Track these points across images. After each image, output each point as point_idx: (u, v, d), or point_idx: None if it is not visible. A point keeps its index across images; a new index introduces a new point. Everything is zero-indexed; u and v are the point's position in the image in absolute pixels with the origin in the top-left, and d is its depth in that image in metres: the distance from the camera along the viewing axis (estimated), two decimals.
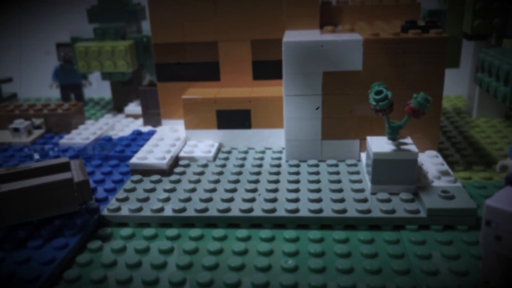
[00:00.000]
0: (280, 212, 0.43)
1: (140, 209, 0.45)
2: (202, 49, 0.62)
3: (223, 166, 0.54)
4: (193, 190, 0.48)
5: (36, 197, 0.41)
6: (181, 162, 0.55)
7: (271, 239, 0.41)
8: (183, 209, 0.44)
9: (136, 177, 0.51)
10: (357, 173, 0.51)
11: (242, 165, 0.54)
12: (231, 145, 0.60)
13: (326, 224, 0.43)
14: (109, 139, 0.66)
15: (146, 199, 0.47)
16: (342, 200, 0.45)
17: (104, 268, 0.38)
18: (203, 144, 0.60)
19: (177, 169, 0.53)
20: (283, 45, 0.51)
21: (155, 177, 0.51)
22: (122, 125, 0.72)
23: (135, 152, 0.59)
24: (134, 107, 0.76)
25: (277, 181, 0.49)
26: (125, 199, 0.47)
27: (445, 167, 0.49)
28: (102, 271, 0.37)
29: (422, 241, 0.39)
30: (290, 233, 0.41)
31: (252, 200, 0.45)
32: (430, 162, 0.50)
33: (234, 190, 0.48)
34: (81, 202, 0.43)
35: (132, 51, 0.73)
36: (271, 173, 0.52)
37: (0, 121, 0.69)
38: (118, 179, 0.52)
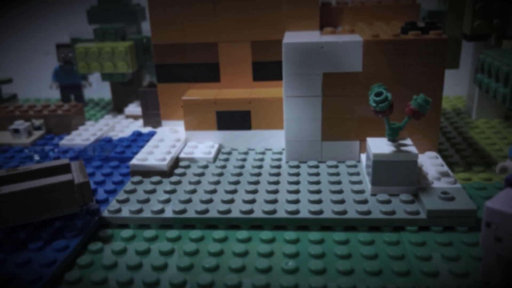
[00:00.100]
0: (281, 214, 0.43)
1: (140, 211, 0.45)
2: (202, 50, 0.62)
3: (223, 167, 0.54)
4: (194, 191, 0.48)
5: (36, 199, 0.41)
6: (181, 163, 0.56)
7: (271, 241, 0.41)
8: (184, 211, 0.44)
9: (136, 178, 0.51)
10: (357, 174, 0.51)
11: (242, 166, 0.54)
12: (231, 146, 0.60)
13: (326, 225, 0.43)
14: (109, 140, 0.66)
15: (146, 201, 0.47)
16: (342, 202, 0.45)
17: (105, 269, 0.38)
18: (203, 145, 0.60)
19: (177, 170, 0.53)
20: (283, 47, 0.51)
21: (155, 178, 0.51)
22: (122, 126, 0.72)
23: (135, 153, 0.59)
24: (134, 108, 0.77)
25: (277, 182, 0.49)
26: (126, 201, 0.47)
27: (445, 168, 0.49)
28: (103, 272, 0.37)
29: (422, 243, 0.39)
30: (290, 235, 0.41)
31: (253, 201, 0.46)
32: (430, 163, 0.50)
33: (234, 192, 0.48)
34: (82, 203, 0.43)
35: (132, 52, 0.73)
36: (271, 174, 0.52)
37: (0, 122, 0.69)
38: (118, 180, 0.52)
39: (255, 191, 0.48)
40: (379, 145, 0.47)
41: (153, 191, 0.49)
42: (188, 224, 0.44)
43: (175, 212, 0.44)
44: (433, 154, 0.53)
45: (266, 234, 0.41)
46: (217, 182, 0.50)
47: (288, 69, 0.52)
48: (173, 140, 0.60)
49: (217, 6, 0.60)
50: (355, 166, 0.53)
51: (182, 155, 0.57)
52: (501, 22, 0.62)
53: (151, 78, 0.78)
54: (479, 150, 0.58)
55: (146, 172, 0.53)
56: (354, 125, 0.54)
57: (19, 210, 0.40)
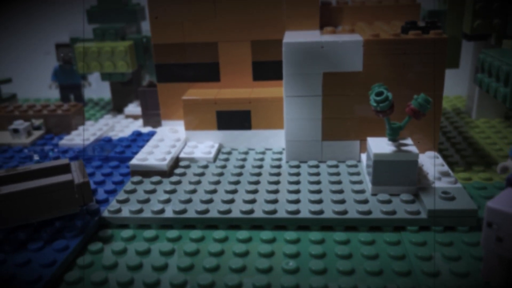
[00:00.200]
0: (281, 214, 0.43)
1: (140, 211, 0.45)
2: (202, 50, 0.62)
3: (223, 167, 0.54)
4: (194, 191, 0.48)
5: (36, 199, 0.41)
6: (181, 163, 0.55)
7: (272, 241, 0.41)
8: (184, 211, 0.44)
9: (136, 178, 0.51)
10: (358, 174, 0.51)
11: (242, 166, 0.54)
12: (231, 146, 0.60)
13: (326, 225, 0.43)
14: (109, 140, 0.66)
15: (146, 201, 0.47)
16: (342, 201, 0.45)
17: (105, 270, 0.38)
18: (203, 145, 0.60)
19: (177, 170, 0.53)
20: (284, 46, 0.51)
21: (156, 178, 0.51)
22: (122, 126, 0.72)
23: (135, 153, 0.59)
24: (133, 108, 0.76)
25: (277, 182, 0.49)
26: (126, 201, 0.47)
27: (445, 168, 0.49)
28: (103, 273, 0.37)
29: (423, 242, 0.39)
30: (291, 235, 0.41)
31: (253, 201, 0.45)
32: (431, 163, 0.50)
33: (234, 191, 0.48)
34: (82, 203, 0.43)
35: (132, 52, 0.73)
36: (271, 174, 0.52)
37: (0, 122, 0.69)
38: (118, 180, 0.52)
39: (255, 191, 0.47)
40: (380, 145, 0.47)
41: (153, 191, 0.49)
42: (189, 224, 0.44)
43: (175, 212, 0.44)
44: (433, 154, 0.53)
45: (266, 234, 0.41)
46: (217, 182, 0.50)
47: (288, 68, 0.52)
48: (173, 140, 0.60)
49: (217, 6, 0.60)
50: (356, 166, 0.53)
51: (182, 155, 0.57)
52: (501, 22, 0.62)
53: (150, 77, 0.78)
54: (479, 149, 0.58)
55: (146, 172, 0.53)
56: (354, 125, 0.54)
57: (19, 210, 0.40)
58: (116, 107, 0.82)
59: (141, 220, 0.44)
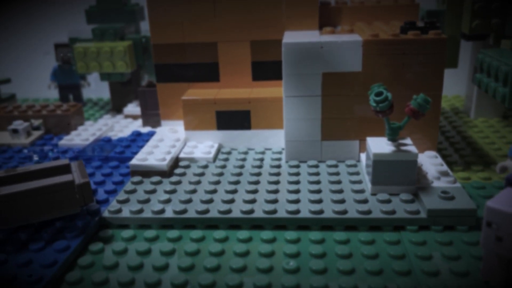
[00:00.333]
0: (281, 214, 0.43)
1: (141, 211, 0.45)
2: (202, 50, 0.62)
3: (223, 167, 0.54)
4: (194, 191, 0.48)
5: (37, 200, 0.41)
6: (181, 163, 0.56)
7: (272, 240, 0.41)
8: (184, 211, 0.44)
9: (136, 179, 0.51)
10: (357, 173, 0.51)
11: (242, 166, 0.54)
12: (230, 146, 0.61)
13: (326, 225, 0.43)
14: (108, 140, 0.66)
15: (146, 201, 0.47)
16: (342, 201, 0.45)
17: (105, 270, 0.38)
18: (203, 145, 0.60)
19: (177, 170, 0.53)
20: (283, 47, 0.52)
21: (156, 178, 0.51)
22: (121, 126, 0.72)
23: (135, 153, 0.59)
24: (133, 108, 0.76)
25: (277, 182, 0.50)
26: (126, 201, 0.47)
27: (445, 167, 0.49)
28: (104, 273, 0.37)
29: (423, 242, 0.40)
30: (291, 234, 0.41)
31: (253, 201, 0.46)
32: (430, 162, 0.50)
33: (234, 191, 0.48)
34: (82, 204, 0.43)
35: (131, 52, 0.73)
36: (271, 174, 0.52)
37: None
38: (118, 181, 0.52)
39: (255, 191, 0.48)
40: (379, 145, 0.47)
41: (153, 191, 0.49)
42: (189, 224, 0.44)
43: (175, 212, 0.44)
44: (432, 153, 0.53)
45: (267, 234, 0.41)
46: (217, 182, 0.50)
47: (287, 68, 0.52)
48: (173, 140, 0.60)
49: (216, 6, 0.60)
50: (355, 165, 0.53)
51: (182, 155, 0.57)
52: (500, 22, 0.62)
53: (150, 77, 0.78)
54: (478, 149, 0.59)
55: (146, 172, 0.53)
56: (353, 125, 0.54)
57: (19, 211, 0.40)
58: (115, 107, 0.82)
59: (142, 220, 0.44)
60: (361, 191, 0.47)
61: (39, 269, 0.37)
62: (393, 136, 0.47)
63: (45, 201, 0.41)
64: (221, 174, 0.52)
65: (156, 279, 0.36)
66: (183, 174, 0.53)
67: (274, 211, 0.44)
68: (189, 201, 0.46)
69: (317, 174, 0.51)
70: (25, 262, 0.38)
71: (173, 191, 0.49)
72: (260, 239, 0.41)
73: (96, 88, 0.88)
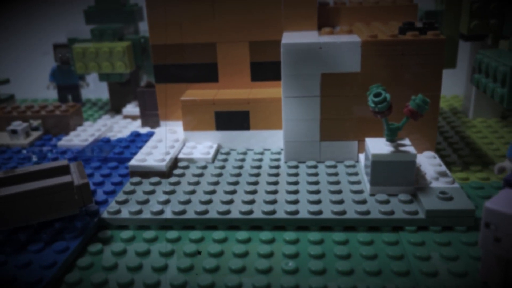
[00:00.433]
0: (280, 214, 0.43)
1: (140, 212, 0.45)
2: (201, 51, 0.62)
3: (222, 167, 0.54)
4: (193, 192, 0.48)
5: (36, 201, 0.41)
6: (180, 164, 0.56)
7: (271, 241, 0.41)
8: (183, 211, 0.44)
9: (135, 179, 0.52)
10: (356, 174, 0.51)
11: (241, 167, 0.54)
12: (229, 146, 0.61)
13: (325, 225, 0.43)
14: (107, 141, 0.66)
15: (145, 202, 0.47)
16: (341, 202, 0.45)
17: (105, 271, 0.38)
18: (202, 145, 0.60)
19: (176, 171, 0.53)
20: (282, 47, 0.52)
21: (155, 179, 0.51)
22: (120, 127, 0.72)
23: (134, 153, 0.59)
24: (132, 108, 0.77)
25: (276, 183, 0.50)
26: (125, 202, 0.47)
27: (443, 168, 0.49)
28: (103, 274, 0.37)
29: (421, 242, 0.40)
30: (290, 235, 0.41)
31: (252, 202, 0.46)
32: (428, 163, 0.51)
33: (233, 192, 0.48)
34: (82, 205, 0.43)
35: (130, 52, 0.73)
36: (270, 175, 0.52)
37: None
38: (117, 181, 0.52)
39: (254, 192, 0.48)
40: (378, 145, 0.47)
41: (152, 192, 0.49)
42: (188, 225, 0.44)
43: (174, 213, 0.44)
44: (431, 153, 0.53)
45: (265, 235, 0.42)
46: (216, 183, 0.50)
47: (286, 69, 0.52)
48: (172, 140, 0.60)
49: (215, 7, 0.60)
50: (354, 166, 0.53)
51: (181, 156, 0.57)
52: (498, 22, 0.62)
53: (148, 78, 0.78)
54: (476, 149, 0.59)
55: (145, 173, 0.53)
56: (352, 125, 0.54)
57: (19, 212, 0.40)
58: (114, 107, 0.82)
59: (141, 221, 0.44)
60: (360, 192, 0.47)
61: (39, 270, 0.37)
62: (392, 137, 0.47)
63: (44, 202, 0.41)
64: (220, 175, 0.52)
65: (156, 280, 0.36)
66: (182, 175, 0.53)
67: (273, 212, 0.44)
68: (188, 202, 0.46)
69: (316, 174, 0.51)
70: (24, 263, 0.38)
71: (172, 192, 0.49)
72: (259, 239, 0.41)
73: (95, 89, 0.88)
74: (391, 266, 0.37)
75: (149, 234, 0.42)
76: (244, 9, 0.60)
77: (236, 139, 0.60)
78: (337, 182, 0.49)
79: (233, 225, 0.44)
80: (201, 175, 0.53)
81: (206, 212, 0.44)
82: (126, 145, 0.63)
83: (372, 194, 0.46)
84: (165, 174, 0.53)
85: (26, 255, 0.39)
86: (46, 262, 0.37)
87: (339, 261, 0.38)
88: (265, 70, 0.62)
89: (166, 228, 0.44)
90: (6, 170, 0.45)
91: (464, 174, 0.52)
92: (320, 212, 0.43)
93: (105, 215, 0.45)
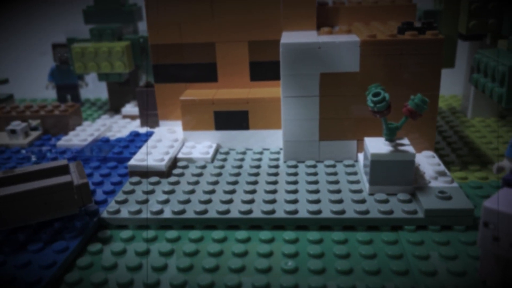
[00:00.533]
0: (279, 214, 0.44)
1: (139, 211, 0.45)
2: (200, 50, 0.62)
3: (221, 167, 0.54)
4: (192, 191, 0.48)
5: (36, 201, 0.41)
6: (179, 164, 0.56)
7: (270, 241, 0.41)
8: (183, 211, 0.44)
9: (134, 179, 0.52)
10: (355, 173, 0.51)
11: (240, 166, 0.54)
12: (229, 146, 0.61)
13: (325, 225, 0.43)
14: (106, 141, 0.66)
15: (145, 201, 0.47)
16: (340, 201, 0.45)
17: (104, 271, 0.38)
18: (201, 145, 0.60)
19: (176, 171, 0.54)
20: (281, 47, 0.52)
21: (154, 179, 0.51)
22: (119, 126, 0.72)
23: (133, 153, 0.59)
24: (131, 108, 0.77)
25: (275, 182, 0.50)
26: (124, 201, 0.47)
27: (442, 167, 0.49)
28: (102, 274, 0.37)
29: (420, 242, 0.40)
30: (289, 234, 0.41)
31: (251, 201, 0.46)
32: (427, 162, 0.51)
33: (233, 192, 0.48)
34: (81, 205, 0.43)
35: (129, 52, 0.73)
36: (269, 174, 0.52)
37: None
38: (116, 181, 0.52)
39: (253, 191, 0.48)
40: (377, 145, 0.47)
41: (151, 192, 0.49)
42: (187, 225, 0.44)
43: (174, 212, 0.44)
44: (429, 153, 0.53)
45: (265, 234, 0.42)
46: (216, 183, 0.50)
47: (285, 69, 0.52)
48: (171, 140, 0.60)
49: (214, 6, 0.60)
50: (353, 165, 0.53)
51: (180, 155, 0.57)
52: (497, 22, 0.62)
53: (147, 78, 0.78)
54: (475, 149, 0.59)
55: (145, 173, 0.53)
56: (351, 125, 0.54)
57: (18, 212, 0.40)
58: (113, 107, 0.82)
59: (140, 220, 0.44)
60: (359, 191, 0.47)
61: (38, 270, 0.37)
62: (391, 136, 0.47)
63: (44, 202, 0.41)
64: (219, 175, 0.52)
65: (155, 279, 0.36)
66: (182, 175, 0.53)
67: (273, 211, 0.44)
68: (187, 201, 0.46)
69: (315, 174, 0.51)
70: (24, 263, 0.38)
71: (171, 192, 0.49)
72: (259, 239, 0.41)
73: (94, 88, 0.88)
74: (390, 265, 0.37)
75: (149, 233, 0.42)
76: (243, 9, 0.60)
77: (235, 139, 0.60)
78: (336, 182, 0.49)
79: (233, 224, 0.44)
80: (200, 174, 0.53)
81: (205, 211, 0.44)
82: (125, 145, 0.63)
83: (371, 194, 0.46)
84: (165, 173, 0.53)
85: (25, 255, 0.39)
86: (46, 262, 0.37)
87: (338, 260, 0.38)
88: (264, 69, 0.62)
89: (165, 227, 0.44)
90: (5, 170, 0.45)
91: (463, 174, 0.52)
92: (319, 212, 0.43)
93: (104, 214, 0.45)
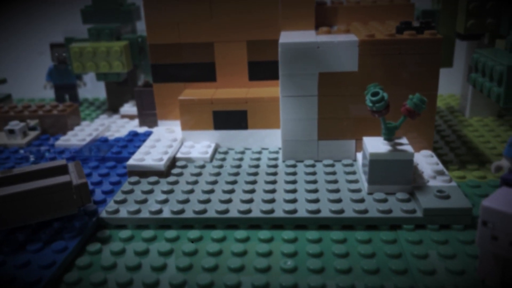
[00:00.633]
0: (278, 213, 0.44)
1: (138, 211, 0.45)
2: (198, 50, 0.62)
3: (220, 167, 0.55)
4: (191, 191, 0.49)
5: (34, 201, 0.41)
6: (178, 163, 0.56)
7: (269, 240, 0.41)
8: (182, 211, 0.44)
9: (133, 179, 0.52)
10: (354, 173, 0.51)
11: (239, 166, 0.54)
12: (227, 145, 0.61)
13: (323, 224, 0.43)
14: (105, 140, 0.66)
15: (144, 201, 0.47)
16: (339, 201, 0.45)
17: (104, 270, 0.38)
18: (200, 145, 0.60)
19: (174, 170, 0.54)
20: (280, 47, 0.52)
21: (153, 179, 0.51)
22: (118, 126, 0.72)
23: (132, 153, 0.59)
24: (129, 108, 0.76)
25: (274, 182, 0.50)
26: (123, 201, 0.47)
27: (440, 166, 0.49)
28: (102, 273, 0.37)
29: (419, 241, 0.40)
30: (288, 234, 0.41)
31: (250, 201, 0.46)
32: (426, 161, 0.51)
33: (232, 191, 0.48)
34: (80, 204, 0.43)
35: (127, 52, 0.73)
36: (268, 174, 0.52)
37: None
38: (115, 181, 0.52)
39: (252, 191, 0.48)
40: (375, 145, 0.47)
41: (150, 192, 0.49)
42: (186, 224, 0.44)
43: (173, 212, 0.44)
44: (428, 152, 0.53)
45: (264, 234, 0.42)
46: (215, 182, 0.50)
47: (284, 69, 0.52)
48: (170, 140, 0.60)
49: (212, 6, 0.60)
50: (352, 165, 0.53)
51: (179, 155, 0.57)
52: (495, 21, 0.63)
53: (146, 77, 0.78)
54: (473, 148, 0.59)
55: (143, 172, 0.53)
56: (350, 125, 0.54)
57: (17, 212, 0.40)
58: (112, 107, 0.82)
59: (139, 220, 0.44)
60: (358, 191, 0.47)
61: (38, 270, 0.37)
62: (389, 136, 0.47)
63: (43, 202, 0.41)
64: (218, 174, 0.52)
65: (155, 279, 0.36)
66: (180, 174, 0.53)
67: (271, 211, 0.44)
68: (186, 201, 0.46)
69: (314, 173, 0.52)
70: (23, 263, 0.38)
71: (170, 191, 0.49)
72: (258, 238, 0.41)
73: (92, 88, 0.88)
74: (389, 264, 0.37)
75: (148, 233, 0.42)
76: (241, 9, 0.60)
77: (234, 139, 0.60)
78: (335, 181, 0.49)
79: (232, 224, 0.44)
80: (199, 174, 0.53)
81: (204, 211, 0.44)
82: (124, 144, 0.63)
83: (370, 193, 0.46)
84: (163, 173, 0.53)
85: (25, 255, 0.39)
86: (45, 261, 0.37)
87: (337, 259, 0.38)
88: (263, 69, 0.62)
89: (164, 227, 0.44)
90: (4, 170, 0.45)
91: (461, 173, 0.52)
92: (318, 211, 0.43)
93: (103, 214, 0.45)
